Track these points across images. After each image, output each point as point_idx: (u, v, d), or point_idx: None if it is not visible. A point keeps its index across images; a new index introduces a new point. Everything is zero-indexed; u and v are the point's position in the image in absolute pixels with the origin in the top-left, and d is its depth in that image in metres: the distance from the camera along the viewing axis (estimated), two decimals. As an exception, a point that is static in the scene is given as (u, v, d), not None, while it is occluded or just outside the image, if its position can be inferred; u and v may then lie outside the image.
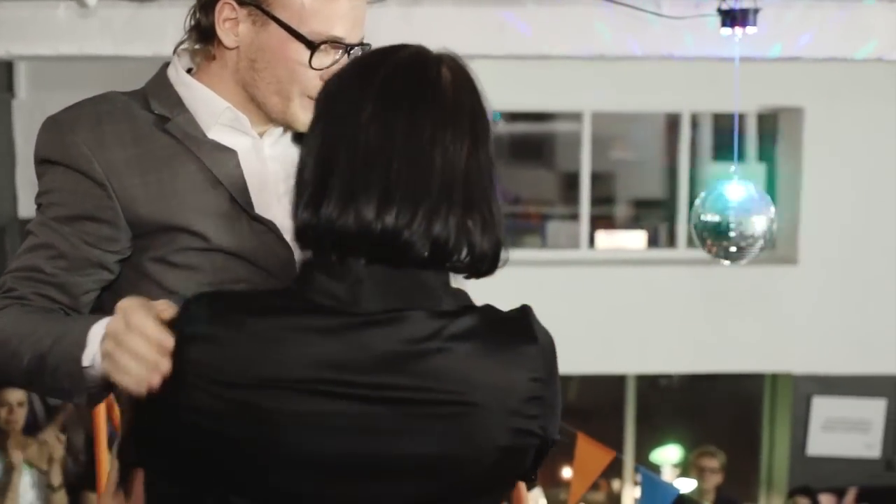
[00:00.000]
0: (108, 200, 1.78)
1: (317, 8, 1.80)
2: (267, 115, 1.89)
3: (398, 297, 1.47)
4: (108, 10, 4.31)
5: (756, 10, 4.17)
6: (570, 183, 8.94)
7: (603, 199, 8.82)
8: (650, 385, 8.98)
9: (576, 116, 8.64)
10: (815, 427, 8.25)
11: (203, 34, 1.87)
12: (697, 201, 4.29)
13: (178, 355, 1.45)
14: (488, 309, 1.54)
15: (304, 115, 1.82)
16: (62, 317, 1.75)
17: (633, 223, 9.15)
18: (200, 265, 1.82)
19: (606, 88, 7.95)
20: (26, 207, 6.72)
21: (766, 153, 8.90)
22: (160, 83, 1.90)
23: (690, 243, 8.52)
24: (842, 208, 8.18)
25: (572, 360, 8.01)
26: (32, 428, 5.63)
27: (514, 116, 8.80)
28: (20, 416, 5.48)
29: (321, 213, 1.45)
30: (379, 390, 1.45)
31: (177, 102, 1.87)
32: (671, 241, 8.91)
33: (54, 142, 1.81)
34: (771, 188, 8.59)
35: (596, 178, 8.58)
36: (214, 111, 1.86)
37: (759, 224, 4.18)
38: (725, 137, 9.13)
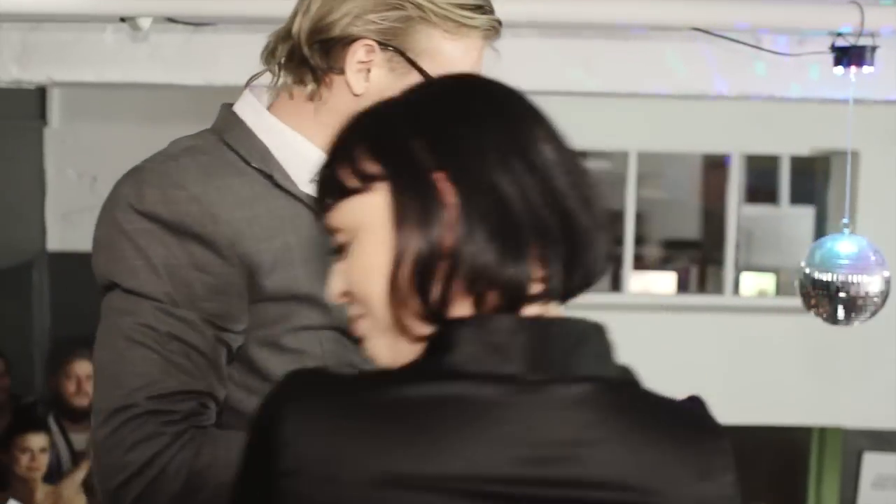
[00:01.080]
0: (231, 268, 1.50)
1: (460, 63, 1.57)
2: None
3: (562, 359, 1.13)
4: (159, 35, 3.82)
5: (874, 49, 3.68)
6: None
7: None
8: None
9: (606, 154, 8.25)
10: (866, 484, 7.73)
11: (311, 72, 1.58)
12: (805, 258, 3.78)
13: (274, 451, 1.05)
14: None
15: None
16: None
17: (663, 264, 8.78)
18: (311, 348, 1.56)
19: (648, 127, 7.54)
20: (56, 240, 6.26)
21: (805, 196, 8.51)
22: (236, 127, 1.61)
23: (736, 289, 8.12)
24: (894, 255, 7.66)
25: None
26: (56, 475, 5.15)
27: None
28: (42, 462, 5.01)
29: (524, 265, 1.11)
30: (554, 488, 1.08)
31: (264, 153, 1.60)
32: (702, 284, 8.51)
33: (157, 196, 1.50)
34: (818, 233, 8.20)
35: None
36: (308, 162, 1.55)
37: (874, 284, 3.68)
38: (758, 179, 8.70)
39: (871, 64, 3.68)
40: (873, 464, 7.74)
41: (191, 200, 1.49)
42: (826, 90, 4.06)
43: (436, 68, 1.56)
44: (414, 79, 1.54)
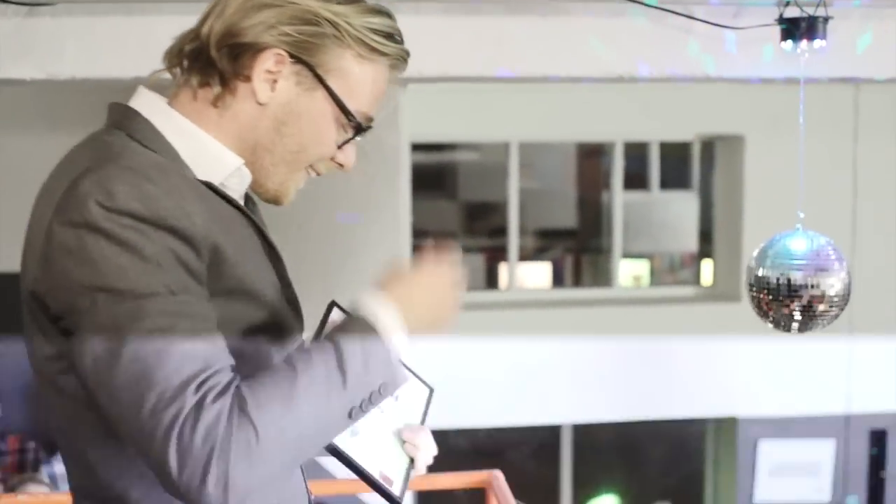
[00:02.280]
0: (202, 265, 1.44)
1: (366, 87, 1.60)
2: (253, 183, 1.63)
3: None
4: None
5: (826, 20, 3.16)
6: (473, 213, 8.38)
7: (501, 229, 7.94)
8: (585, 432, 7.95)
9: (475, 146, 7.83)
10: (763, 472, 7.37)
11: (217, 76, 1.55)
12: (754, 255, 3.25)
13: None
14: None
15: (293, 193, 1.65)
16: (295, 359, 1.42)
17: (538, 254, 8.43)
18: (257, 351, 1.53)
19: (531, 117, 7.09)
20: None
21: (682, 182, 8.26)
22: (145, 129, 1.54)
23: (621, 280, 7.71)
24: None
25: (503, 412, 7.42)
26: None
27: (414, 147, 7.97)
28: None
29: None
30: None
31: (175, 157, 1.54)
32: (577, 273, 8.22)
33: (130, 193, 1.39)
34: (706, 219, 7.90)
35: (496, 208, 7.78)
36: (223, 169, 1.58)
37: (834, 286, 3.17)
38: (634, 165, 8.44)
39: (824, 38, 3.17)
40: (770, 452, 7.39)
41: (164, 195, 1.40)
42: (768, 68, 3.52)
43: (343, 88, 1.57)
44: (320, 96, 1.56)
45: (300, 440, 1.36)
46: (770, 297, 3.21)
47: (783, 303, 3.19)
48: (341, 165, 1.64)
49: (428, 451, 1.73)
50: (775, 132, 7.04)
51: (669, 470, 8.20)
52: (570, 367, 7.21)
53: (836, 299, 3.19)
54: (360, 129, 1.61)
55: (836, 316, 3.23)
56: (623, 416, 7.38)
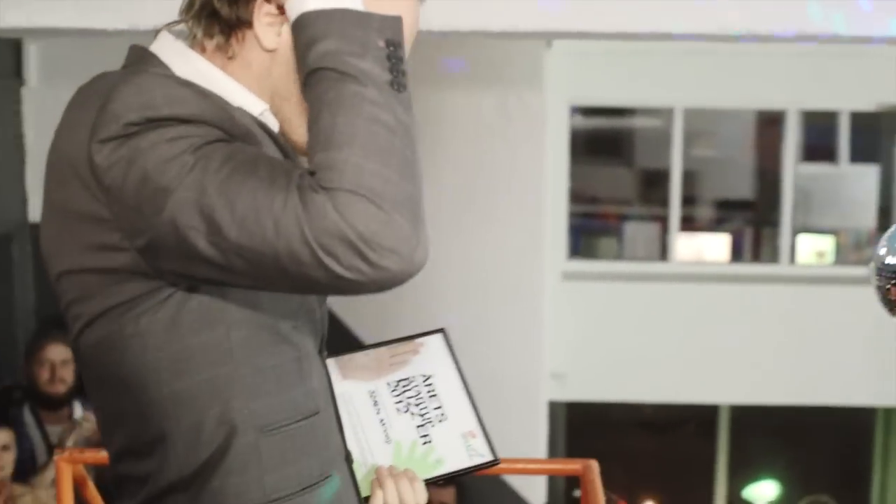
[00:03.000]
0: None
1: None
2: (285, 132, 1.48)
3: None
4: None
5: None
6: (650, 181, 8.04)
7: (684, 198, 7.65)
8: (748, 413, 7.56)
9: (656, 112, 7.57)
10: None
11: (223, 26, 1.43)
12: (884, 241, 2.87)
13: None
14: None
15: None
16: None
17: (716, 225, 8.06)
18: None
19: (698, 83, 6.75)
20: (38, 211, 5.44)
21: (868, 154, 7.76)
22: (161, 68, 1.43)
23: (793, 258, 7.30)
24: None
25: (657, 388, 7.17)
26: (30, 471, 4.51)
27: (589, 111, 7.75)
28: (6, 461, 4.33)
29: None
30: None
31: (194, 88, 1.38)
32: (756, 245, 7.77)
33: (174, 97, 1.30)
34: (886, 194, 7.40)
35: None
36: (255, 106, 1.45)
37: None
38: (816, 136, 8.01)
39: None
40: None
41: (205, 100, 1.32)
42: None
43: None
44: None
45: (392, 155, 1.26)
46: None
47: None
48: None
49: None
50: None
51: (834, 459, 7.74)
52: (737, 346, 6.91)
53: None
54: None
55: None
56: (787, 400, 7.01)
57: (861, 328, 6.69)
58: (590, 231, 7.70)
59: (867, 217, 7.84)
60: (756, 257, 7.73)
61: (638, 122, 8.26)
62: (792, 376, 6.91)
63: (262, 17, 1.41)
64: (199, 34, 1.44)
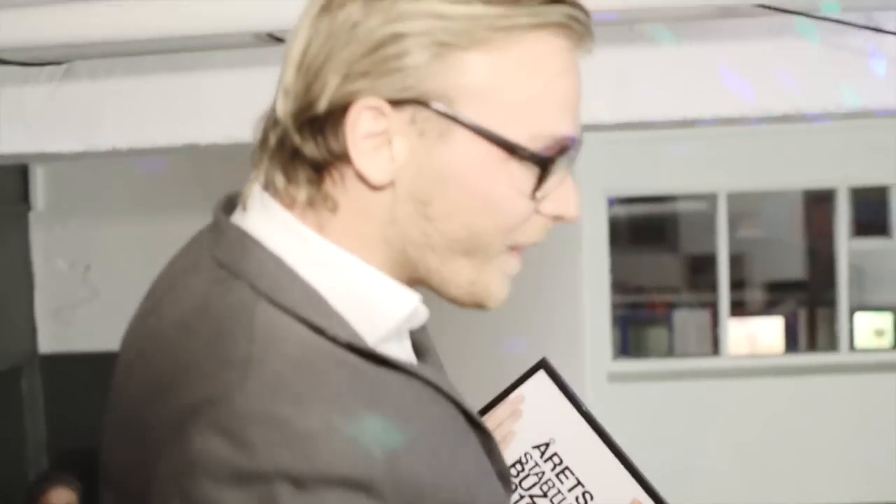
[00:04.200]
0: None
1: (526, 89, 0.96)
2: (438, 293, 1.04)
3: None
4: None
5: None
6: (697, 266, 7.67)
7: (733, 282, 7.26)
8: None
9: (699, 195, 7.27)
10: None
11: (311, 168, 1.00)
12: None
13: None
14: None
15: (501, 287, 1.04)
16: None
17: (768, 308, 7.65)
18: None
19: (740, 165, 6.44)
20: (48, 340, 5.16)
21: None
22: (274, 272, 0.99)
23: (852, 340, 6.88)
24: None
25: (717, 492, 6.70)
26: None
27: (631, 199, 7.43)
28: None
29: None
30: None
31: (322, 310, 0.98)
32: (811, 326, 7.35)
33: (278, 439, 0.89)
34: None
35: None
36: (393, 314, 1.03)
37: None
38: (865, 210, 7.66)
39: None
40: None
41: (323, 428, 0.89)
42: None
43: (490, 111, 0.95)
44: (461, 137, 0.96)
45: None
46: None
47: None
48: (559, 217, 1.04)
49: None
50: None
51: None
52: (796, 444, 6.48)
53: None
54: (548, 159, 0.99)
55: None
56: (853, 499, 6.46)
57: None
58: (638, 322, 7.37)
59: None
60: (811, 339, 7.32)
61: (681, 207, 7.97)
62: (860, 473, 6.45)
63: (361, 143, 0.97)
64: (281, 182, 1.01)
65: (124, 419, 1.02)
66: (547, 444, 1.32)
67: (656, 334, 7.31)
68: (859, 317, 7.11)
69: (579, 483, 1.31)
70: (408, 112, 0.96)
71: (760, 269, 7.76)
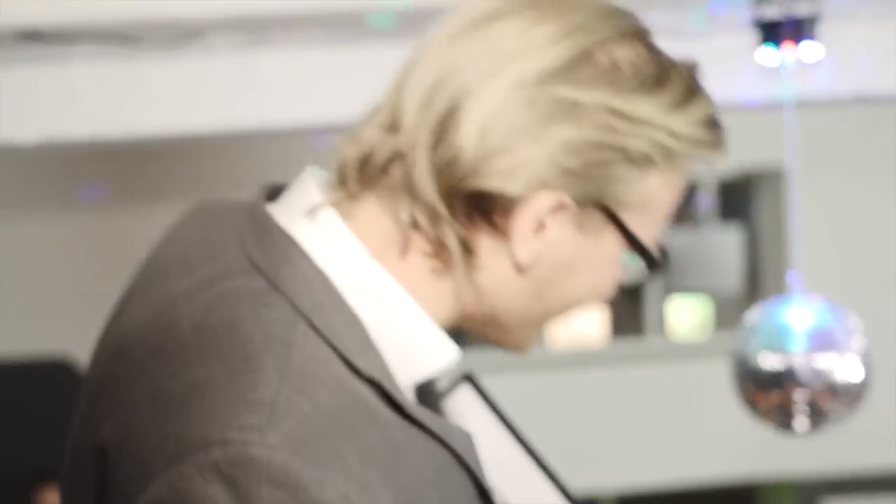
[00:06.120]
0: None
1: (668, 205, 0.99)
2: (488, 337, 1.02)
3: None
4: None
5: (812, 21, 2.23)
6: None
7: None
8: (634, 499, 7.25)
9: None
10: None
11: (444, 227, 0.93)
12: (740, 334, 2.34)
13: None
14: None
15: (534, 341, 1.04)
16: None
17: None
18: None
19: None
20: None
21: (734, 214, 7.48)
22: (316, 289, 0.92)
23: (661, 330, 6.97)
24: (831, 278, 6.38)
25: None
26: None
27: None
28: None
29: None
30: None
31: (360, 335, 0.92)
32: (632, 317, 7.43)
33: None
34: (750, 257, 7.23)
35: None
36: (426, 366, 0.97)
37: (847, 368, 2.25)
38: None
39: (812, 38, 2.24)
40: None
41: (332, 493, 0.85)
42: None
43: (642, 220, 0.96)
44: (608, 238, 0.96)
45: None
46: (762, 389, 2.30)
47: (779, 398, 2.27)
48: None
49: None
50: (824, 164, 6.15)
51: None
52: (617, 432, 6.62)
53: (849, 388, 2.26)
54: (656, 264, 1.02)
55: (853, 408, 2.31)
56: (662, 481, 6.68)
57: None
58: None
59: (735, 279, 7.63)
60: (630, 327, 7.42)
61: None
62: (674, 456, 6.58)
63: (527, 229, 0.93)
64: (402, 219, 0.93)
65: (122, 427, 0.92)
66: None
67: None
68: (676, 302, 7.22)
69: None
70: (586, 210, 0.94)
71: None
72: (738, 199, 7.35)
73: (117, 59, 2.49)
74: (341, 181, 0.94)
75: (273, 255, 0.92)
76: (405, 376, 0.94)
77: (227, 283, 0.92)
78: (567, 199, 0.92)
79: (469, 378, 1.22)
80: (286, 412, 0.85)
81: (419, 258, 0.94)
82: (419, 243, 0.93)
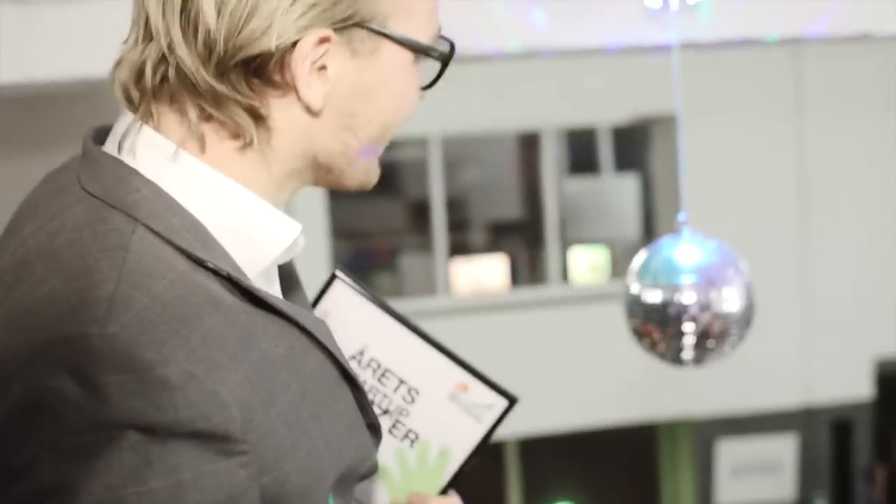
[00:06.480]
0: (249, 478, 0.91)
1: (432, 10, 1.05)
2: (331, 185, 1.07)
3: None
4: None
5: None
6: (420, 211, 7.59)
7: (456, 224, 7.31)
8: (533, 442, 7.24)
9: (418, 142, 7.11)
10: (724, 473, 6.64)
11: (230, 104, 0.97)
12: (631, 273, 2.39)
13: None
14: None
15: (377, 170, 1.09)
16: None
17: (491, 248, 7.70)
18: None
19: (453, 109, 6.37)
20: None
21: (632, 163, 7.53)
22: (152, 200, 0.96)
23: (564, 277, 6.98)
24: (728, 226, 6.52)
25: None
26: None
27: None
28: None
29: None
30: None
31: (203, 238, 0.96)
32: (533, 267, 7.50)
33: (132, 386, 0.87)
34: (645, 202, 7.29)
35: (447, 204, 7.09)
36: (272, 245, 1.01)
37: (732, 300, 2.31)
38: (576, 150, 7.81)
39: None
40: (728, 451, 6.81)
41: (182, 373, 0.87)
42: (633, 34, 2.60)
43: (410, 24, 1.01)
44: (387, 51, 1.00)
45: None
46: (653, 323, 2.35)
47: (668, 331, 2.33)
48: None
49: None
50: (713, 109, 6.22)
51: (625, 477, 7.43)
52: (522, 377, 6.42)
53: (734, 319, 2.32)
54: (446, 56, 1.07)
55: (737, 343, 2.37)
56: (568, 425, 6.69)
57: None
58: (362, 268, 7.30)
59: (633, 226, 7.68)
60: (533, 276, 7.47)
61: (401, 153, 8.05)
62: (576, 400, 6.65)
63: (305, 73, 0.97)
64: (168, 115, 0.98)
65: None
66: (361, 352, 1.28)
67: (382, 279, 7.26)
68: (575, 253, 7.26)
69: (402, 382, 1.28)
70: (346, 35, 0.98)
71: (482, 211, 7.77)
72: (635, 147, 7.45)
73: (9, 3, 2.42)
74: (130, 103, 0.99)
75: (105, 179, 0.97)
76: (252, 263, 0.99)
77: (66, 213, 0.96)
78: (327, 31, 0.96)
79: (336, 275, 1.28)
80: (124, 305, 0.88)
81: (221, 144, 0.98)
82: (217, 131, 0.97)
